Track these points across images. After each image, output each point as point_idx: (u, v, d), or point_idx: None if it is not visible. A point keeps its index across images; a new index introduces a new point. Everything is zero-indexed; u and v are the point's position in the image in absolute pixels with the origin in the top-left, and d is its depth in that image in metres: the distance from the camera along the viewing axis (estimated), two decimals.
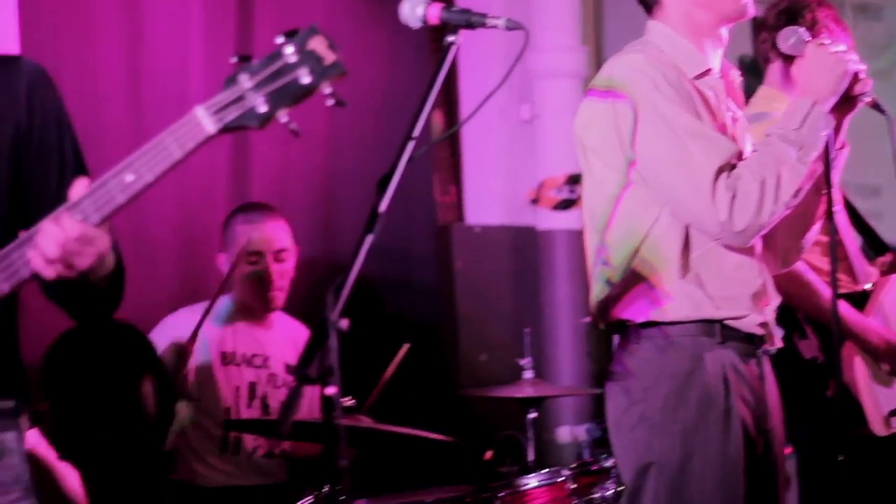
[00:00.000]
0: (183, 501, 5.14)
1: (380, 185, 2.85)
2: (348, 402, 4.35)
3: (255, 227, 5.28)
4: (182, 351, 4.97)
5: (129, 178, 2.43)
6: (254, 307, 5.38)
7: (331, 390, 2.71)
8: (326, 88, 2.41)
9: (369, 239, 2.83)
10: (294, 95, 2.40)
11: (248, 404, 5.33)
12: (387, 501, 4.55)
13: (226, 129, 2.42)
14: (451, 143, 6.57)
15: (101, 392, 4.64)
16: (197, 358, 5.17)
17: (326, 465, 4.72)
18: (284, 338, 5.47)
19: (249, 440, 5.33)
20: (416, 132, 2.91)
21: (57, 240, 2.44)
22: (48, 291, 2.75)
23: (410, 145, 2.90)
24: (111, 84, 5.58)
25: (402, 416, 4.83)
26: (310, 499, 4.37)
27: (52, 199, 2.63)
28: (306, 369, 2.70)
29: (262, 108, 2.40)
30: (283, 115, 2.42)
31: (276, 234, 5.33)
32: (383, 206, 2.85)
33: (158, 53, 5.70)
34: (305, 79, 2.39)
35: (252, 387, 5.37)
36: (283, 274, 5.34)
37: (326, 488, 4.27)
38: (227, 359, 5.32)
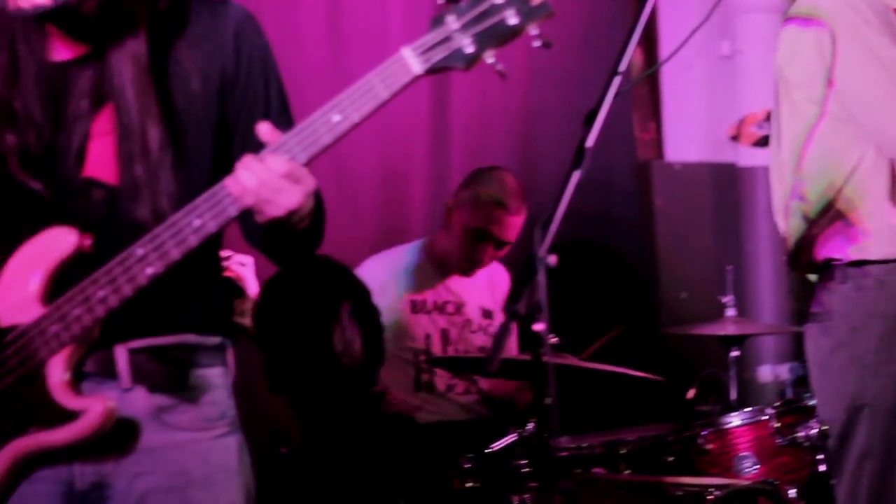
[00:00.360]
0: (395, 435, 5.19)
1: (586, 120, 2.83)
2: (553, 339, 4.34)
3: (498, 216, 5.32)
4: None
5: (336, 118, 2.45)
6: (461, 264, 5.40)
7: (539, 327, 2.71)
8: (533, 29, 2.38)
9: (576, 175, 2.80)
10: (501, 36, 2.38)
11: (441, 350, 5.38)
12: (589, 439, 4.54)
13: (432, 70, 2.42)
14: (651, 79, 6.52)
15: (311, 329, 4.71)
16: (388, 305, 5.24)
17: (531, 402, 4.78)
18: (481, 282, 5.50)
19: (442, 381, 5.37)
20: (622, 67, 2.88)
21: (257, 173, 2.47)
22: (251, 237, 2.81)
23: (616, 80, 2.87)
24: (311, 27, 5.64)
25: (605, 353, 4.82)
26: (513, 436, 4.38)
27: (256, 143, 2.63)
28: (515, 305, 2.70)
29: (469, 49, 2.39)
30: (489, 56, 2.40)
31: (512, 230, 5.37)
32: (590, 141, 2.82)
33: None
34: (513, 19, 2.36)
35: (444, 333, 5.40)
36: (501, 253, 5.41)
37: (530, 425, 4.30)
38: (416, 307, 5.36)
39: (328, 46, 5.65)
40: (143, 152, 2.64)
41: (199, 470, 2.72)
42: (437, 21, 2.40)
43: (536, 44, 2.38)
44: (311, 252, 2.79)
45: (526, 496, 4.28)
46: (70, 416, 2.59)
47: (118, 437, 2.63)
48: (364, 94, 2.42)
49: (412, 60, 2.40)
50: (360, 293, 4.72)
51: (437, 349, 5.36)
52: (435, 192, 5.80)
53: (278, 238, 2.68)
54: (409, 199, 5.77)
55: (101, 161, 2.66)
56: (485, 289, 5.48)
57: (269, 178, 2.47)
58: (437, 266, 5.44)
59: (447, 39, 2.39)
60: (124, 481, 2.67)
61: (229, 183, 2.50)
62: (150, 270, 2.53)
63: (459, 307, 5.43)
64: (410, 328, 5.34)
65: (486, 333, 5.47)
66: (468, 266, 5.40)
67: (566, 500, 4.24)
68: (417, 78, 2.42)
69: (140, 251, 2.53)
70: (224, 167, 2.60)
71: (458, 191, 5.43)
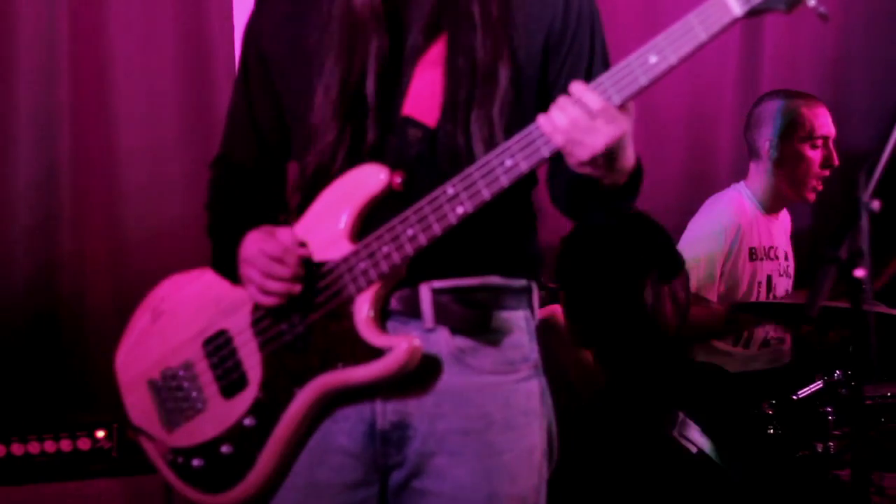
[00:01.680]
0: (704, 384, 5.17)
1: None
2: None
3: (816, 113, 5.22)
4: None
5: (653, 59, 2.41)
6: (791, 195, 5.33)
7: (860, 273, 2.64)
8: None
9: None
10: None
11: (766, 297, 5.31)
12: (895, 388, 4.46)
13: (752, 13, 2.36)
14: None
15: (617, 280, 4.71)
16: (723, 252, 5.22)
17: (843, 350, 4.71)
18: (783, 226, 5.43)
19: (760, 331, 5.31)
20: None
21: (568, 112, 2.45)
22: (556, 199, 2.80)
23: None
24: None
25: None
26: (819, 384, 4.33)
27: None
28: (836, 251, 2.63)
29: None
30: None
31: (831, 124, 5.26)
32: None
33: None
34: None
35: (769, 279, 5.34)
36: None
37: (838, 373, 4.25)
38: (753, 254, 5.30)
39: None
40: (484, 94, 2.65)
41: (500, 413, 2.72)
42: None
43: None
44: (618, 209, 2.72)
45: (830, 444, 4.24)
46: (376, 353, 2.63)
47: (420, 377, 2.66)
48: (682, 35, 2.38)
49: (733, 2, 2.35)
50: (671, 252, 4.68)
51: (762, 297, 5.30)
52: (743, 135, 5.72)
53: (584, 189, 2.63)
54: (716, 143, 5.71)
55: (421, 98, 2.68)
56: (783, 232, 5.40)
57: (579, 116, 2.44)
58: (761, 210, 5.36)
59: None
60: (426, 421, 2.70)
61: (542, 121, 2.48)
62: (460, 210, 2.55)
63: (776, 251, 5.35)
64: (744, 280, 5.28)
65: (787, 276, 5.40)
66: (803, 192, 5.28)
67: (871, 448, 4.18)
68: (737, 20, 2.37)
69: (451, 190, 2.55)
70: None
71: (760, 123, 5.32)
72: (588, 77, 2.64)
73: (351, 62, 2.68)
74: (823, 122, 5.21)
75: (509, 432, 2.73)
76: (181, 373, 2.86)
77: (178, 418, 2.86)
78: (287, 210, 2.85)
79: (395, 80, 2.68)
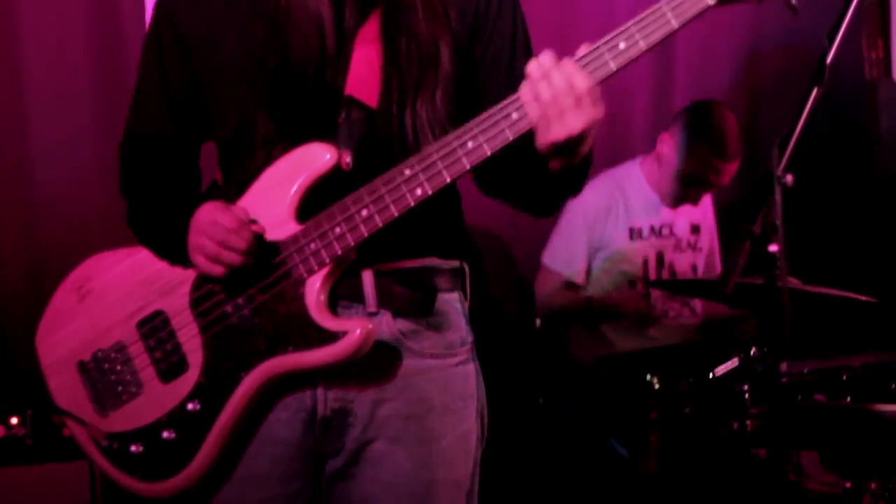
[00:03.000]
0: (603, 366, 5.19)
1: (828, 36, 2.72)
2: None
3: (726, 169, 5.22)
4: None
5: (622, 45, 2.40)
6: (670, 201, 5.34)
7: (774, 248, 2.63)
8: None
9: (816, 91, 2.70)
10: None
11: (656, 273, 5.33)
12: (810, 365, 4.45)
13: (724, 1, 2.37)
14: None
15: None
16: (610, 230, 5.23)
17: (758, 326, 4.72)
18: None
19: (658, 305, 5.32)
20: None
21: (554, 85, 2.39)
22: (492, 184, 2.74)
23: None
24: None
25: (827, 277, 4.70)
26: (735, 361, 4.32)
27: (502, 74, 2.66)
28: (750, 226, 2.62)
29: None
30: None
31: (725, 177, 5.26)
32: (830, 57, 2.72)
33: None
34: None
35: (659, 255, 5.35)
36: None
37: (753, 350, 4.23)
38: (634, 234, 5.31)
39: None
40: (428, 75, 2.61)
41: (440, 397, 2.71)
42: None
43: None
44: (566, 196, 2.70)
45: (746, 422, 4.23)
46: (329, 337, 2.59)
47: (363, 362, 2.62)
48: (653, 21, 2.38)
49: None
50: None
51: (652, 273, 5.32)
52: (657, 109, 5.72)
53: (542, 172, 2.56)
54: (631, 116, 5.70)
55: (361, 77, 2.63)
56: (687, 206, 5.42)
57: (564, 93, 2.38)
58: (653, 192, 5.37)
59: None
60: (367, 407, 2.68)
61: (524, 91, 2.42)
62: (419, 192, 2.52)
63: (672, 228, 5.37)
64: (629, 254, 5.30)
65: (694, 249, 5.42)
66: (677, 204, 5.33)
67: (787, 425, 4.18)
68: (710, 8, 2.36)
69: (408, 171, 2.52)
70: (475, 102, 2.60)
71: (674, 124, 5.31)
72: (511, 60, 2.67)
73: (286, 28, 2.62)
74: (724, 177, 5.23)
75: (448, 417, 2.72)
76: (114, 355, 2.80)
77: (112, 402, 2.80)
78: (207, 189, 2.80)
79: (335, 57, 2.63)
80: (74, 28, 4.96)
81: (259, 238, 2.60)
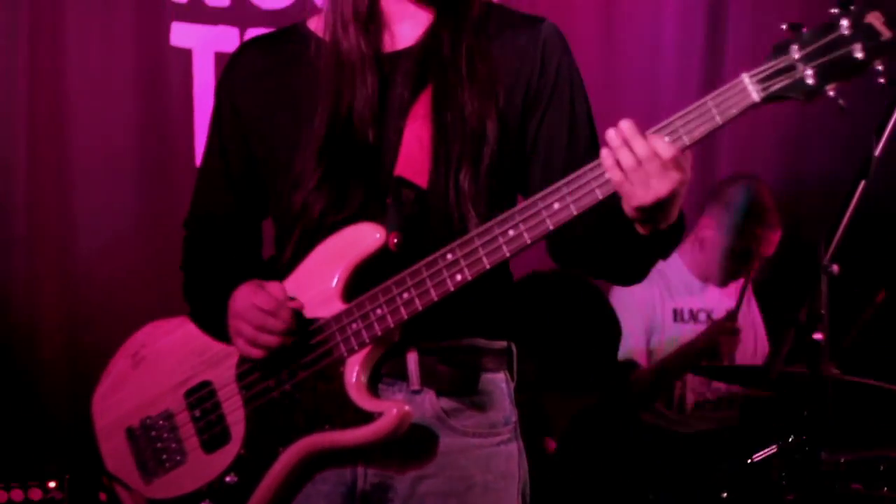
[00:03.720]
0: (653, 443, 5.18)
1: (876, 130, 2.76)
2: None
3: (762, 235, 5.28)
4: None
5: (667, 138, 2.37)
6: (722, 279, 5.38)
7: (818, 336, 2.66)
8: (879, 65, 2.26)
9: (862, 184, 2.74)
10: (845, 71, 2.27)
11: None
12: (847, 454, 4.45)
13: (770, 99, 2.34)
14: None
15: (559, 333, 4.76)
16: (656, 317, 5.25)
17: (794, 413, 4.71)
18: (719, 288, 5.47)
19: (690, 394, 5.33)
20: None
21: (637, 151, 2.37)
22: (574, 257, 2.71)
23: None
24: (584, 27, 5.66)
25: (870, 366, 4.70)
26: (773, 448, 4.32)
27: (562, 149, 2.65)
28: (795, 314, 2.65)
29: (811, 81, 2.30)
30: (830, 90, 2.30)
31: (772, 246, 5.32)
32: (878, 150, 2.76)
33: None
34: (859, 53, 2.26)
35: None
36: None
37: (791, 438, 4.24)
38: (677, 316, 5.33)
39: (600, 48, 5.67)
40: (473, 151, 2.62)
41: (481, 476, 2.70)
42: (780, 49, 2.32)
43: (881, 80, 2.25)
44: (655, 259, 2.63)
45: None
46: (366, 417, 2.59)
47: (405, 439, 2.62)
48: (698, 117, 2.36)
49: (751, 87, 2.33)
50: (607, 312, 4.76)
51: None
52: (698, 200, 5.74)
53: (631, 238, 2.52)
54: None
55: (411, 156, 2.65)
56: (720, 292, 5.44)
57: (648, 157, 2.36)
58: (694, 277, 5.41)
59: (789, 69, 2.31)
60: (407, 483, 2.67)
61: (605, 155, 2.39)
62: (459, 277, 2.52)
63: (710, 314, 5.39)
64: (676, 337, 5.30)
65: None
66: (727, 283, 5.36)
67: None
68: (755, 106, 2.34)
69: (450, 256, 2.53)
70: (536, 178, 2.63)
71: (712, 207, 5.36)
72: (571, 133, 2.67)
73: (339, 106, 2.65)
74: (770, 247, 5.27)
75: (488, 495, 2.71)
76: (161, 422, 2.81)
77: (157, 469, 2.81)
78: (263, 267, 2.80)
79: (384, 135, 2.66)
80: (120, 91, 5.03)
81: (298, 314, 2.61)
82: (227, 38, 5.09)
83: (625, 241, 2.52)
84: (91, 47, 4.97)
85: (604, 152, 2.39)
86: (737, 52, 5.80)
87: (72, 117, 4.95)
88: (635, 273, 2.66)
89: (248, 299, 2.60)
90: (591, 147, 2.66)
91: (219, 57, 5.05)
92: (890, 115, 2.75)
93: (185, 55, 5.07)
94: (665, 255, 2.59)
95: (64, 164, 4.94)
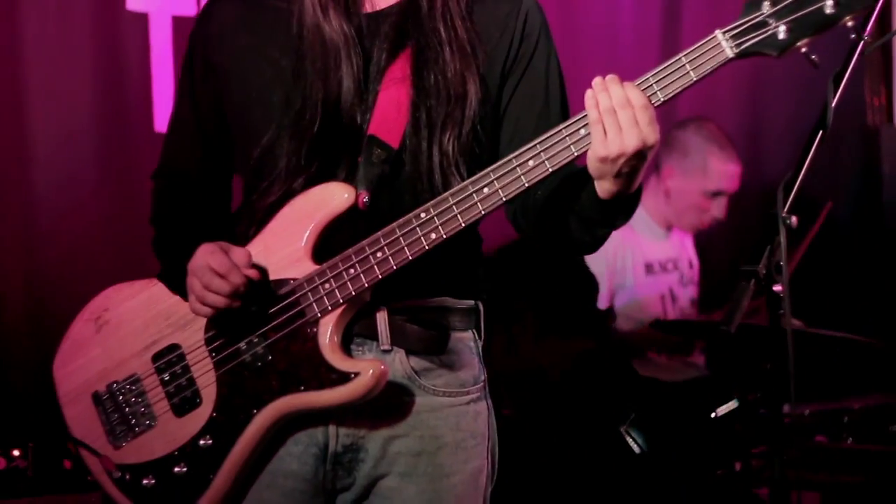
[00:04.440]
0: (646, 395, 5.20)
1: (832, 81, 2.76)
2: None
3: (726, 171, 5.30)
4: None
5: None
6: (679, 227, 5.40)
7: (778, 288, 2.66)
8: (849, 20, 2.34)
9: (820, 133, 2.74)
10: (816, 25, 2.34)
11: (672, 308, 5.35)
12: (811, 407, 4.48)
13: (743, 54, 2.39)
14: (883, 44, 6.35)
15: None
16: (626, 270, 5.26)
17: (757, 366, 4.74)
18: (679, 235, 5.50)
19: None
20: (867, 32, 2.80)
21: (613, 95, 2.41)
22: (531, 227, 2.73)
23: (861, 45, 2.80)
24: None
25: (830, 319, 4.74)
26: (733, 403, 4.34)
27: (534, 118, 2.68)
28: (755, 266, 2.65)
29: (783, 36, 2.35)
30: (803, 45, 2.36)
31: (737, 179, 5.34)
32: (834, 100, 2.76)
33: None
34: (830, 9, 2.32)
35: (671, 291, 5.39)
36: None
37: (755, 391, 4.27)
38: (650, 269, 5.35)
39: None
40: (456, 113, 2.63)
41: (451, 435, 2.72)
42: (752, 6, 2.37)
43: (852, 35, 2.34)
44: (612, 227, 2.65)
45: (750, 462, 4.25)
46: (342, 377, 2.60)
47: (376, 399, 2.63)
48: (672, 73, 2.41)
49: (725, 43, 2.38)
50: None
51: (669, 308, 5.35)
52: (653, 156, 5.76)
53: (589, 198, 2.55)
54: None
55: (386, 117, 2.65)
56: (679, 240, 5.47)
57: (623, 105, 2.40)
58: (658, 225, 5.42)
59: (762, 25, 2.36)
60: (378, 443, 2.69)
61: (588, 95, 2.43)
62: (433, 236, 2.54)
63: (676, 263, 5.42)
64: (646, 291, 5.32)
65: (693, 284, 5.47)
66: (700, 224, 5.39)
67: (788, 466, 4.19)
68: (728, 61, 2.39)
69: (424, 215, 2.54)
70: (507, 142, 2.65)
71: (671, 154, 5.38)
72: (545, 106, 2.70)
73: (327, 86, 2.65)
74: (730, 180, 5.28)
75: (458, 454, 2.73)
76: (128, 386, 2.80)
77: (126, 434, 2.79)
78: (231, 222, 2.81)
79: (362, 98, 2.66)
80: (77, 57, 4.98)
81: (253, 283, 2.60)
82: (184, 2, 5.05)
83: (584, 203, 2.55)
84: (48, 14, 4.91)
85: (587, 93, 2.42)
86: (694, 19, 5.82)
87: (29, 83, 4.90)
88: (590, 241, 2.68)
89: (203, 258, 2.59)
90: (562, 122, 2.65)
91: (176, 21, 5.01)
92: (846, 66, 2.74)
93: (142, 19, 5.03)
94: (617, 224, 2.62)
95: (22, 130, 4.89)
